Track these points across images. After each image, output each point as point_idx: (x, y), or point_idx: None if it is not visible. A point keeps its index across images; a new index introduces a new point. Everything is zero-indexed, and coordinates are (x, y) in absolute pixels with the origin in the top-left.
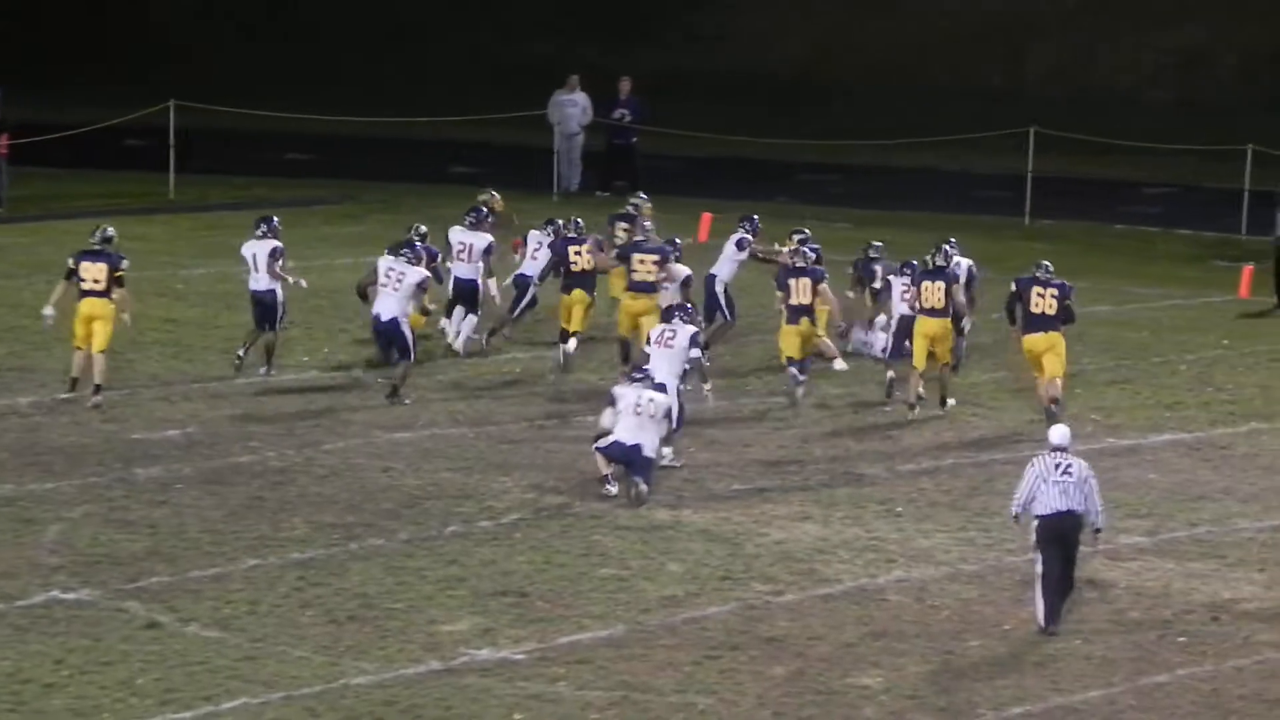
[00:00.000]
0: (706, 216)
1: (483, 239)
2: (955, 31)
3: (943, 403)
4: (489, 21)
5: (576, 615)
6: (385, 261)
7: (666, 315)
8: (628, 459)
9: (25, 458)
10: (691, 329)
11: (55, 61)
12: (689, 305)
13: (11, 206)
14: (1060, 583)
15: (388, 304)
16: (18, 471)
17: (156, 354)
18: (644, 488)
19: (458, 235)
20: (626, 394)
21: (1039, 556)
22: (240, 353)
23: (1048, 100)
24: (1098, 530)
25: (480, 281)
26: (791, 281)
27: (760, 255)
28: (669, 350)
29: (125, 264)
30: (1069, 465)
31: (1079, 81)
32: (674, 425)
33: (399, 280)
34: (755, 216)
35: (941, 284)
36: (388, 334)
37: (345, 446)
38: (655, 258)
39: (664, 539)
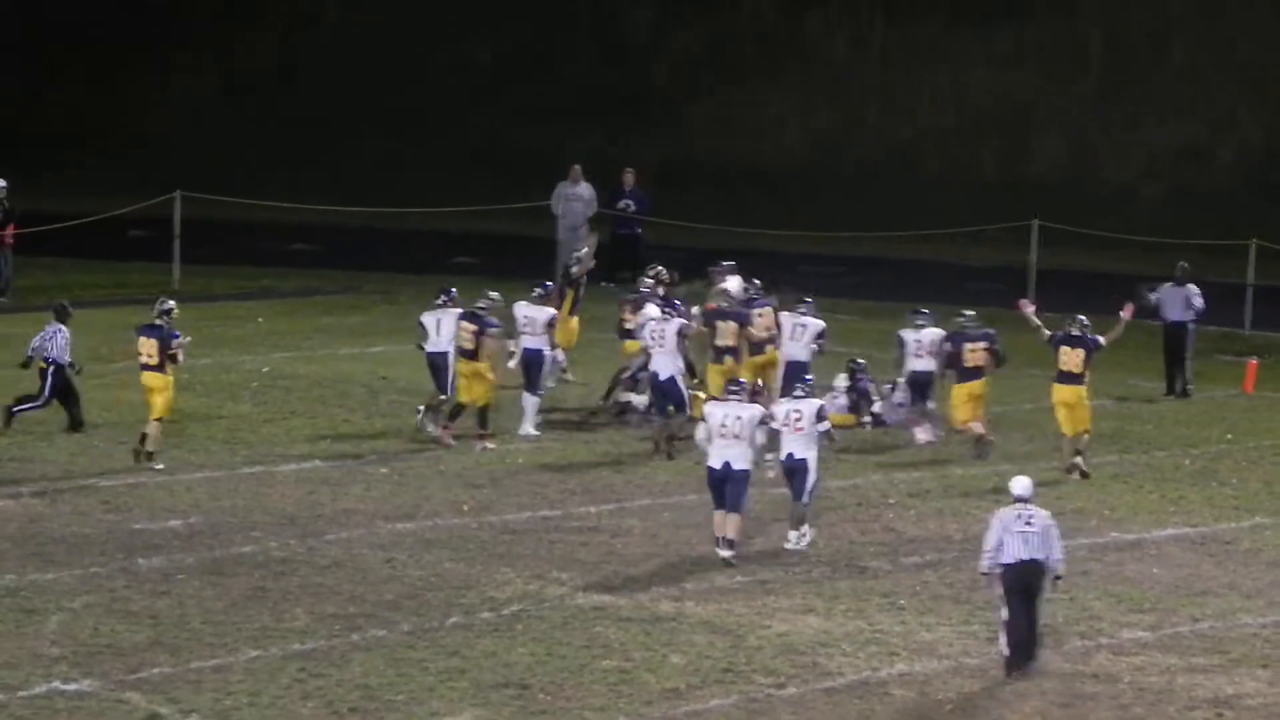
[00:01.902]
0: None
1: (545, 313)
2: (953, 124)
3: (1082, 474)
4: (492, 112)
5: (578, 707)
6: (650, 321)
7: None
8: (723, 479)
9: (27, 548)
10: (818, 403)
11: (58, 150)
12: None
13: (16, 296)
14: (1027, 629)
15: (664, 363)
16: (20, 562)
17: (161, 444)
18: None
19: (523, 310)
20: (714, 412)
21: (1004, 604)
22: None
23: (1046, 193)
24: (1058, 577)
25: (546, 353)
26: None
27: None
28: (801, 432)
29: (178, 340)
30: (1031, 515)
31: (1077, 175)
32: (808, 498)
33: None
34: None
35: (1081, 351)
36: (664, 390)
37: (348, 537)
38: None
39: (666, 631)
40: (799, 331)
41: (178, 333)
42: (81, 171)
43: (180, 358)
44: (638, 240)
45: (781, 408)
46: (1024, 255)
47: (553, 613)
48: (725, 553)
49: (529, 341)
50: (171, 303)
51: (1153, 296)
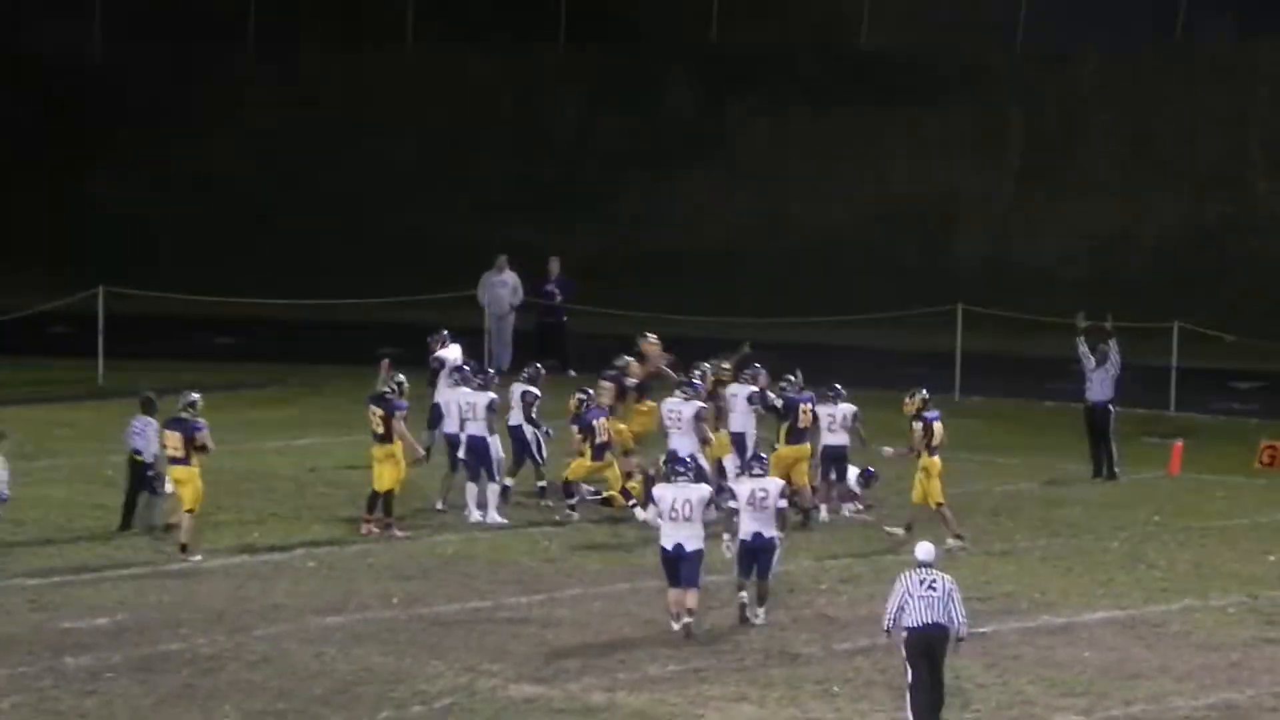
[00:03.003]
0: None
1: (484, 397)
2: (876, 211)
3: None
4: (419, 205)
5: None
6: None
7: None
8: (676, 559)
9: None
10: (780, 481)
11: None
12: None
13: None
14: (931, 691)
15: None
16: None
17: (85, 541)
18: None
19: (464, 396)
20: (664, 495)
21: (908, 667)
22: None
23: (969, 278)
24: (960, 639)
25: (491, 440)
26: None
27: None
28: (765, 510)
29: (200, 432)
30: (934, 580)
31: (999, 259)
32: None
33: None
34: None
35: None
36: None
37: (276, 632)
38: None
39: None
40: (832, 420)
41: (201, 424)
42: (2, 268)
43: (209, 447)
44: (563, 328)
45: (745, 486)
46: (948, 339)
47: (485, 705)
48: (686, 619)
49: (473, 428)
50: (195, 395)
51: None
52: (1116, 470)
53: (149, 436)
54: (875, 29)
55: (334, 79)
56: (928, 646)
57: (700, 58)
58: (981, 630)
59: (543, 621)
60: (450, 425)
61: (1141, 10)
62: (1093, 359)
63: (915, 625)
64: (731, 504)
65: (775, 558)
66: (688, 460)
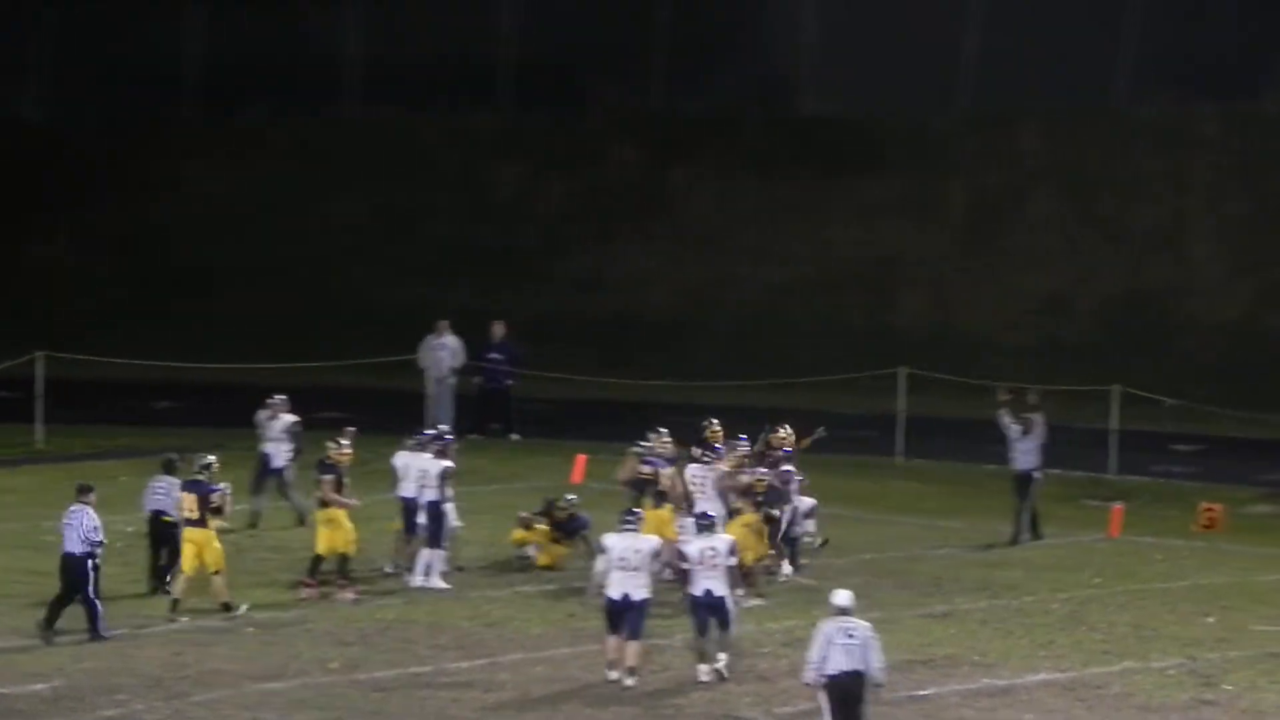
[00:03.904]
0: (580, 458)
1: (440, 464)
2: (820, 275)
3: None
4: (361, 268)
5: None
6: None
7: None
8: (623, 609)
9: None
10: (730, 538)
11: None
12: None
13: None
14: None
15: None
16: None
17: (21, 607)
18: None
19: (418, 463)
20: (613, 545)
21: (826, 712)
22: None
23: (913, 342)
24: (878, 685)
25: (446, 506)
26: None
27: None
28: (717, 568)
29: (218, 493)
30: (853, 628)
31: (942, 324)
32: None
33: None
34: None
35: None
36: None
37: (215, 698)
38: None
39: None
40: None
41: (217, 485)
42: None
43: (226, 509)
44: (506, 392)
45: (695, 545)
46: (893, 401)
47: None
48: (628, 680)
49: (429, 494)
50: (211, 458)
51: None
52: (1024, 537)
53: (174, 496)
54: (817, 95)
55: (276, 141)
56: (846, 694)
57: (643, 123)
58: (923, 693)
59: (484, 686)
60: (406, 490)
61: (1081, 77)
62: (1017, 428)
63: (835, 673)
64: (684, 565)
65: (733, 614)
66: (638, 513)
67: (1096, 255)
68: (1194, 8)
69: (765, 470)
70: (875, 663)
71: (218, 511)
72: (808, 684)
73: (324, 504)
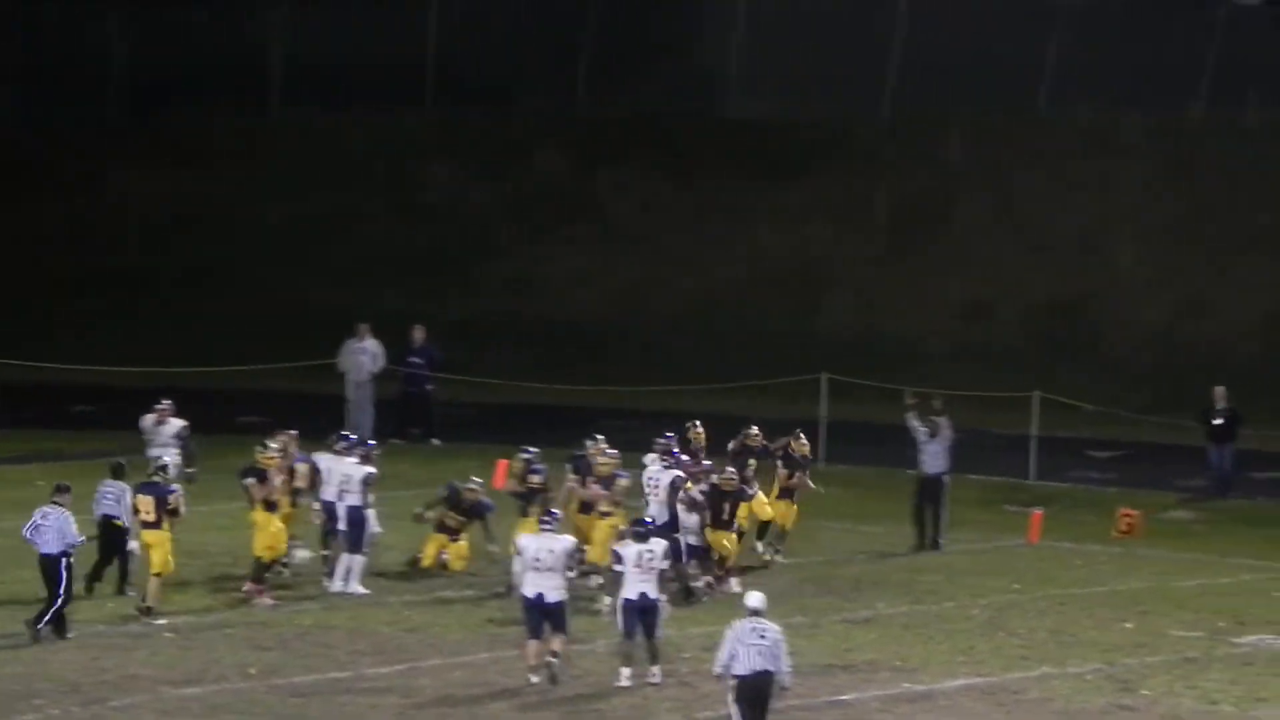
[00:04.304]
0: (502, 463)
1: (363, 470)
2: (745, 280)
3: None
4: (285, 271)
5: None
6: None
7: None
8: (539, 609)
9: None
10: (665, 543)
11: None
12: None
13: None
14: None
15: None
16: None
17: None
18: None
19: (341, 467)
20: (528, 545)
21: (735, 712)
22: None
23: (837, 347)
24: (784, 688)
25: (369, 512)
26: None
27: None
28: (651, 571)
29: (174, 495)
30: (764, 629)
31: (866, 329)
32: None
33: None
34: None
35: None
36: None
37: (132, 703)
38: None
39: None
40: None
41: (174, 487)
42: None
43: (181, 511)
44: (428, 397)
45: (632, 549)
46: (815, 407)
47: None
48: (554, 661)
49: (350, 499)
50: (167, 459)
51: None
52: (941, 541)
53: (125, 501)
54: (744, 99)
55: (201, 143)
56: (756, 693)
57: (570, 126)
58: (843, 698)
59: (403, 691)
60: (328, 494)
61: (1007, 83)
62: (924, 432)
63: (745, 673)
64: (617, 567)
65: (660, 618)
66: (557, 514)
67: (1020, 261)
68: (1119, 16)
69: (733, 470)
70: (784, 665)
71: (174, 513)
72: (716, 675)
73: (270, 505)
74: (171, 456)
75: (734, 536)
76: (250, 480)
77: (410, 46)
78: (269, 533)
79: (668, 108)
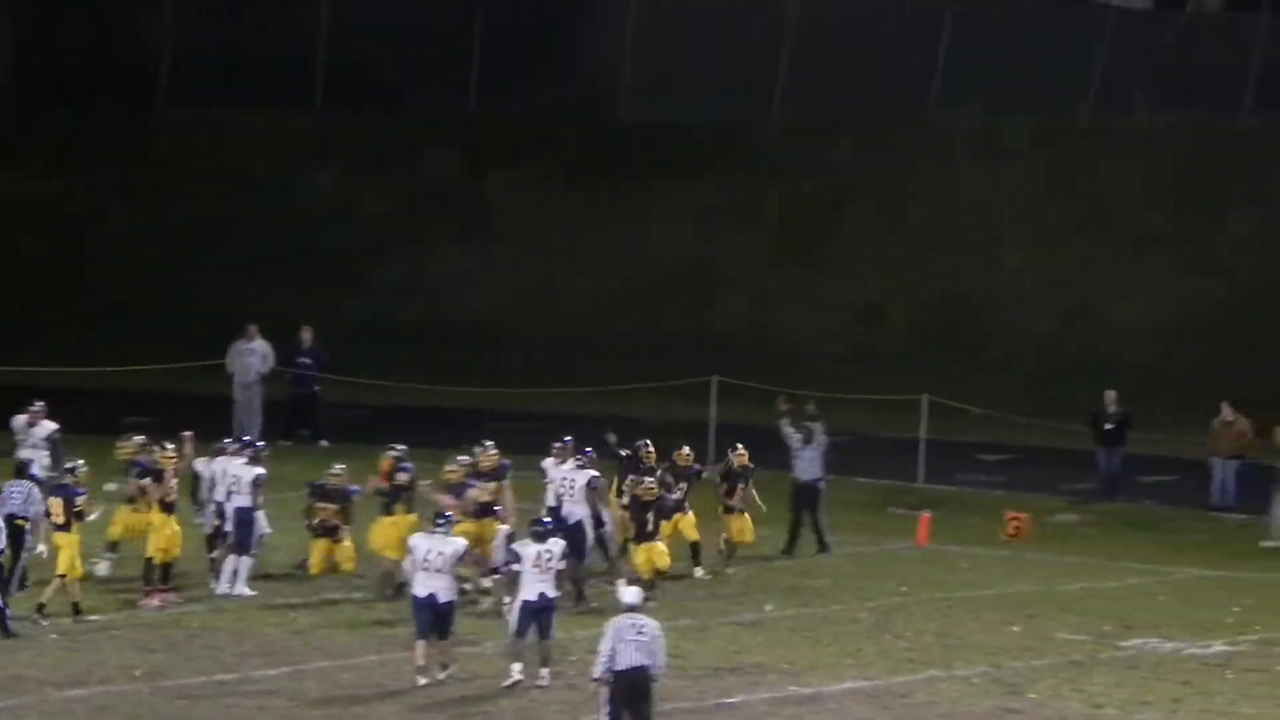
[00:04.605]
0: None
1: (252, 472)
2: (638, 282)
3: None
4: (174, 272)
5: None
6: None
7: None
8: (430, 609)
9: None
10: (562, 542)
11: None
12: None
13: None
14: None
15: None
16: None
17: None
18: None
19: (232, 468)
20: (419, 545)
21: (608, 709)
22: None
23: (730, 349)
24: (654, 680)
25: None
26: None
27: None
28: (550, 571)
29: (81, 498)
30: (643, 625)
31: (758, 331)
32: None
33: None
34: None
35: None
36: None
37: (17, 704)
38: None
39: None
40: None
41: (81, 490)
42: None
43: (85, 514)
44: (315, 398)
45: (530, 548)
46: (706, 410)
47: None
48: (441, 674)
49: (238, 500)
50: (80, 461)
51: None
52: (829, 541)
53: (33, 499)
54: (635, 101)
55: (90, 144)
56: (636, 689)
57: (460, 126)
58: (731, 700)
59: (290, 694)
60: (217, 495)
61: (896, 85)
62: (798, 438)
63: (624, 669)
64: (515, 566)
65: (553, 618)
66: (448, 515)
67: (910, 264)
68: (1008, 19)
69: (652, 480)
70: (660, 660)
71: (79, 516)
72: (596, 679)
73: (165, 508)
74: (41, 458)
75: (661, 549)
76: (147, 480)
77: (300, 46)
78: (164, 534)
79: (559, 109)
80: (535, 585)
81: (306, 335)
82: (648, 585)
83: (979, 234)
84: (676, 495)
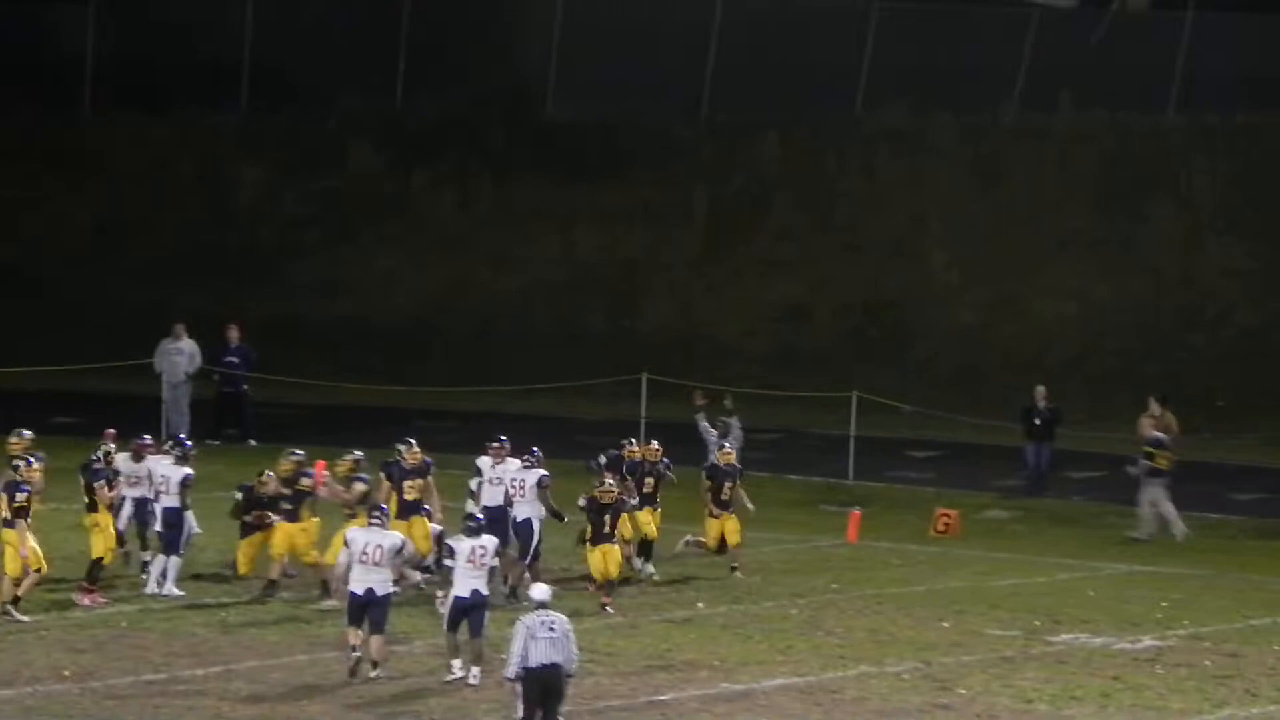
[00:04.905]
0: (319, 464)
1: (181, 472)
2: (563, 280)
3: None
4: (97, 269)
5: None
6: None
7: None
8: (366, 604)
9: None
10: (495, 539)
11: None
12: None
13: None
14: None
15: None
16: None
17: None
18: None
19: (159, 469)
20: (356, 539)
21: (521, 705)
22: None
23: (657, 348)
24: (569, 675)
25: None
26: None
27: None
28: (483, 567)
29: (23, 495)
30: (553, 621)
31: (685, 330)
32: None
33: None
34: None
35: None
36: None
37: None
38: None
39: None
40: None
41: (26, 486)
42: None
43: (26, 510)
44: (243, 397)
45: (465, 544)
46: (632, 408)
47: None
48: (374, 672)
49: (166, 500)
50: (32, 459)
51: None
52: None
53: None
54: (561, 100)
55: (10, 141)
56: (548, 686)
57: (385, 126)
58: (662, 698)
59: (219, 694)
60: (137, 493)
61: (822, 86)
62: (714, 433)
63: (536, 665)
64: (448, 562)
65: (485, 615)
66: (384, 509)
67: (836, 263)
68: (933, 17)
69: (612, 482)
70: (572, 654)
71: (20, 512)
72: (508, 679)
73: (92, 507)
74: None
75: (615, 550)
76: (100, 483)
77: (225, 46)
78: (111, 534)
79: (484, 107)
80: (468, 581)
81: (234, 334)
82: (604, 589)
83: (904, 232)
84: (634, 502)
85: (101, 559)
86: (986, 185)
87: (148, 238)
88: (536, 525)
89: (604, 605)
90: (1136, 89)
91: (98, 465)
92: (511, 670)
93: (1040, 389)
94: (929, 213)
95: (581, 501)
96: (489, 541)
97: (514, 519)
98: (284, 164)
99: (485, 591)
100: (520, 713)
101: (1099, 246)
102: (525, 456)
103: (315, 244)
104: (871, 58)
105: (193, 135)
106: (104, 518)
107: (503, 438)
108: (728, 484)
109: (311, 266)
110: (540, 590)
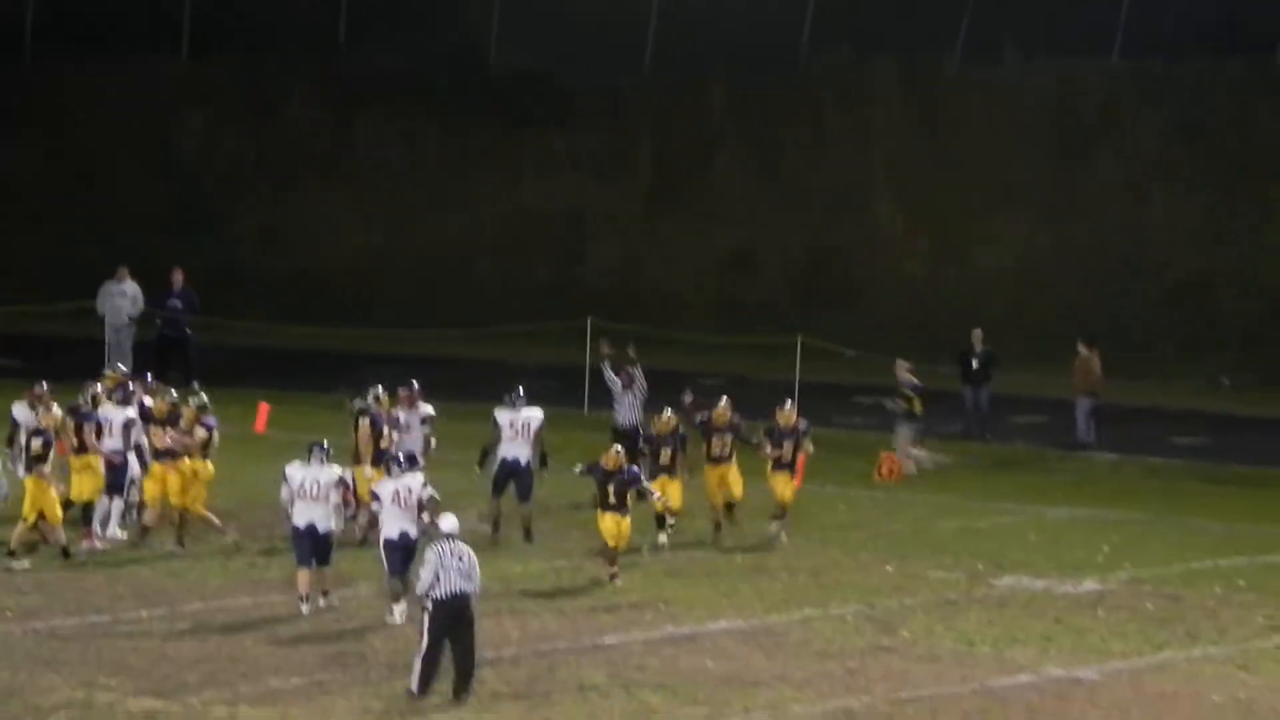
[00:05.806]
0: (264, 407)
1: (124, 414)
2: (508, 229)
3: None
4: (38, 216)
5: None
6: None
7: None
8: (309, 538)
9: None
10: (421, 476)
11: None
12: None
13: None
14: (462, 659)
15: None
16: None
17: None
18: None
19: (102, 412)
20: (294, 475)
21: (427, 638)
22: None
23: (602, 296)
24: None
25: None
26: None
27: None
28: (410, 509)
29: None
30: (462, 552)
31: (630, 279)
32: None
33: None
34: None
35: None
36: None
37: None
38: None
39: None
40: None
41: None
42: None
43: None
44: (186, 341)
45: (387, 486)
46: (576, 354)
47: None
48: (322, 601)
49: (109, 443)
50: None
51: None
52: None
53: None
54: (506, 49)
55: None
56: (458, 614)
57: (328, 73)
58: (607, 641)
59: (163, 635)
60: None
61: (766, 34)
62: (619, 383)
63: (447, 594)
64: (374, 505)
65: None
66: (323, 444)
67: (781, 213)
68: None
69: (619, 449)
70: (477, 584)
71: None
72: (425, 602)
73: (80, 450)
74: None
75: (627, 521)
76: (90, 424)
77: None
78: (99, 476)
79: (428, 55)
80: (395, 523)
81: (178, 277)
82: (610, 556)
83: (849, 181)
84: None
85: (92, 501)
86: (930, 134)
87: (89, 184)
88: (535, 467)
89: (612, 577)
90: (1080, 37)
91: (85, 409)
92: (423, 592)
93: (977, 332)
94: (873, 161)
95: (578, 468)
96: (414, 481)
97: (515, 462)
98: (225, 112)
99: (414, 534)
100: (424, 644)
101: (1042, 194)
102: (513, 398)
103: (260, 190)
104: (815, 8)
105: (135, 84)
106: (93, 459)
107: (520, 389)
108: (786, 442)
109: (255, 213)
110: (448, 522)
